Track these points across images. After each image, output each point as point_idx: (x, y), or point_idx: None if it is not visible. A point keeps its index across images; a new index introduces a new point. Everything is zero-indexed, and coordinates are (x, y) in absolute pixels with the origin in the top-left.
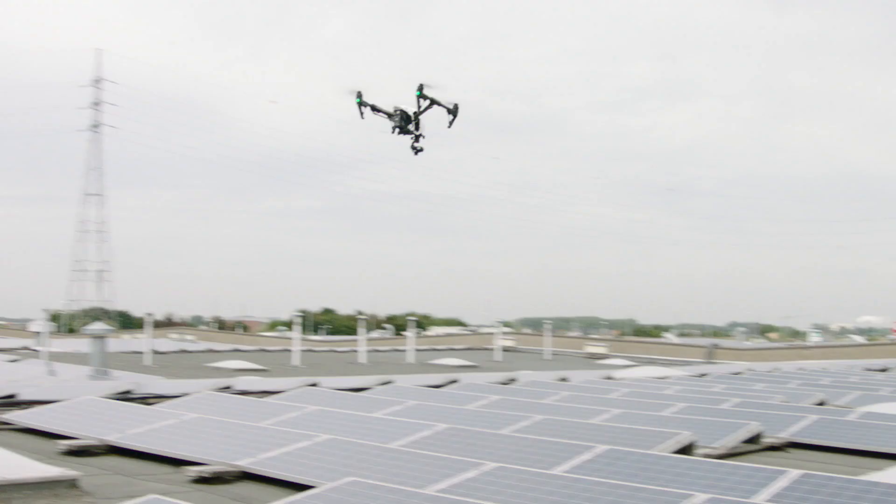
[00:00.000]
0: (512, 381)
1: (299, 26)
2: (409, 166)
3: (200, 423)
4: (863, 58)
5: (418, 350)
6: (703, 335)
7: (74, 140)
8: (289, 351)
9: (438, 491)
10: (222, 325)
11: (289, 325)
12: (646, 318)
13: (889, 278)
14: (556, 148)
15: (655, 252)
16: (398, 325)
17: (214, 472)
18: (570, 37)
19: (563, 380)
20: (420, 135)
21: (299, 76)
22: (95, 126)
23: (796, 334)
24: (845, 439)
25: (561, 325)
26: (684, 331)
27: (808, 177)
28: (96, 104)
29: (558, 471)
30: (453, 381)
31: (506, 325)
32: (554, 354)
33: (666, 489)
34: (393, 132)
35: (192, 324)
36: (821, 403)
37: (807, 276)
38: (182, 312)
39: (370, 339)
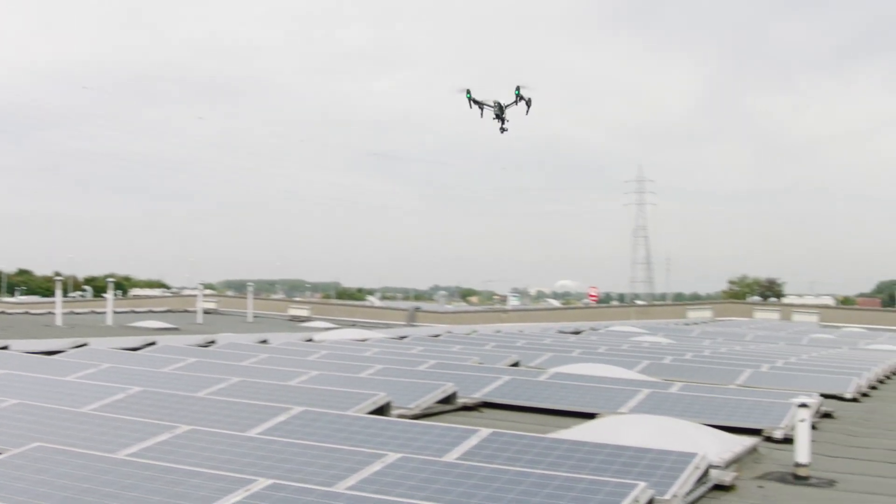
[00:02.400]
0: (211, 343)
1: None
2: (113, 124)
3: None
4: (566, 32)
5: (118, 312)
6: (405, 298)
7: None
8: None
9: (129, 455)
10: None
11: None
12: (350, 282)
13: (586, 244)
14: (265, 110)
15: (361, 216)
16: (98, 287)
17: None
18: None
19: (263, 342)
20: (507, 119)
21: None
22: None
23: (495, 298)
24: (536, 399)
25: (265, 288)
26: (387, 294)
27: (515, 145)
28: None
29: (253, 433)
30: (151, 344)
31: (208, 287)
32: (256, 317)
33: (359, 449)
34: (481, 117)
35: None
36: (515, 365)
37: (507, 241)
38: None
39: (68, 302)
